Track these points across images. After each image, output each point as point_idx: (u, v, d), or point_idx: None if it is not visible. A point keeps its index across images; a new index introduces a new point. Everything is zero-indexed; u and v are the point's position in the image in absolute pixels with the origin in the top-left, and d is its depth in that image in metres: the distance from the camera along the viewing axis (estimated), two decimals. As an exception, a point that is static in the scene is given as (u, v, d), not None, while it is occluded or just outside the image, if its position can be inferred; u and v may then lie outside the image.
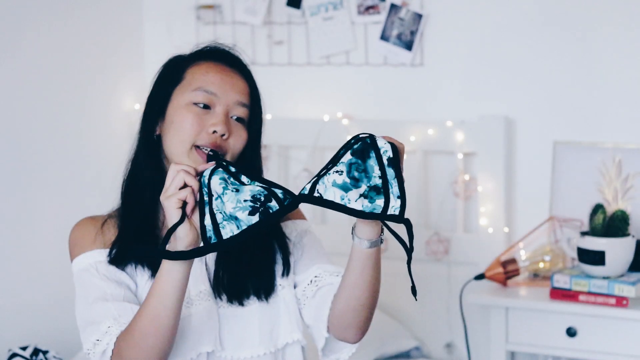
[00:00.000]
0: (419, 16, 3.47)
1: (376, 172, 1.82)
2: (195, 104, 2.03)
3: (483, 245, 3.39)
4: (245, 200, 1.80)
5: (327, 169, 1.82)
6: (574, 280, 3.02)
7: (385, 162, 1.83)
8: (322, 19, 3.61)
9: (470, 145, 3.41)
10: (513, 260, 3.22)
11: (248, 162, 2.07)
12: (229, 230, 1.81)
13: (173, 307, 1.89)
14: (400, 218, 1.83)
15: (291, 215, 2.21)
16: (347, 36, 3.59)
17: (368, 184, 1.81)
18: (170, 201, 1.85)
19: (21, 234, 3.42)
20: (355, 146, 1.82)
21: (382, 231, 1.96)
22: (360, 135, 1.84)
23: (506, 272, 3.21)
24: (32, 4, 3.45)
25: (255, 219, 1.80)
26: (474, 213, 3.47)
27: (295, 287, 2.13)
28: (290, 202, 1.81)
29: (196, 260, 2.04)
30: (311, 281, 2.12)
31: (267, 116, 3.72)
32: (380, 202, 1.81)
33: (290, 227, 2.19)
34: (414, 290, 1.91)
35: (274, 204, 1.81)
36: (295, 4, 3.63)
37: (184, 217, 1.84)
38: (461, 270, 3.42)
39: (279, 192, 1.82)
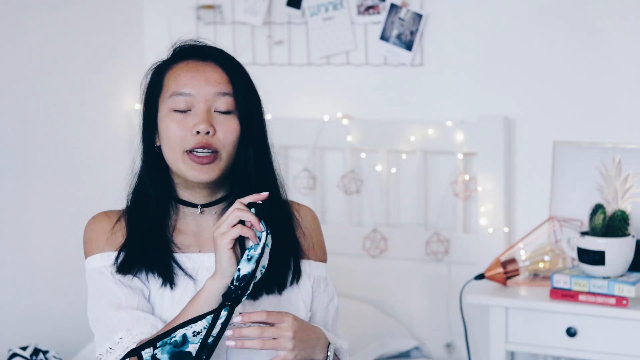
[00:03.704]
0: (419, 16, 3.47)
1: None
2: (175, 110, 2.01)
3: (483, 245, 3.39)
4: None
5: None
6: (574, 280, 3.02)
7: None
8: (322, 19, 3.61)
9: (470, 145, 3.41)
10: (513, 260, 3.22)
11: (243, 151, 2.04)
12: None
13: None
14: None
15: (312, 254, 2.16)
16: (347, 36, 3.59)
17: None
18: (224, 239, 1.88)
19: (21, 234, 3.42)
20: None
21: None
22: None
23: (506, 272, 3.21)
24: (32, 3, 3.45)
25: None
26: (474, 213, 3.47)
27: None
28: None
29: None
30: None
31: (267, 116, 3.75)
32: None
33: (306, 267, 2.14)
34: None
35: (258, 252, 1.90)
36: (295, 4, 3.63)
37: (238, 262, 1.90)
38: (461, 270, 3.42)
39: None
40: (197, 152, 1.99)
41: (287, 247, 2.07)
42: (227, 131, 2.01)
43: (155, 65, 2.10)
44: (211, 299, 1.91)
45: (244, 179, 2.04)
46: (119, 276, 2.02)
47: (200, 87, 2.01)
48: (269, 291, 2.04)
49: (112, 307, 1.99)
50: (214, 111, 2.01)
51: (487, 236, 3.39)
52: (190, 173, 2.00)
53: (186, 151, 2.00)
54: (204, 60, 2.04)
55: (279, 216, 2.05)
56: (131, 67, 3.82)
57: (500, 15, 3.39)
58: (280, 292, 2.05)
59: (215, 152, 2.00)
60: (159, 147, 2.06)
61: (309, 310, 2.11)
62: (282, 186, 2.11)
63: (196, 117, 2.00)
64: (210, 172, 2.01)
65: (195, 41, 2.10)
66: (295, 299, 2.08)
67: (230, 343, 1.88)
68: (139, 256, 2.02)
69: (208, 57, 2.05)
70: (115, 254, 2.04)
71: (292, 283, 2.08)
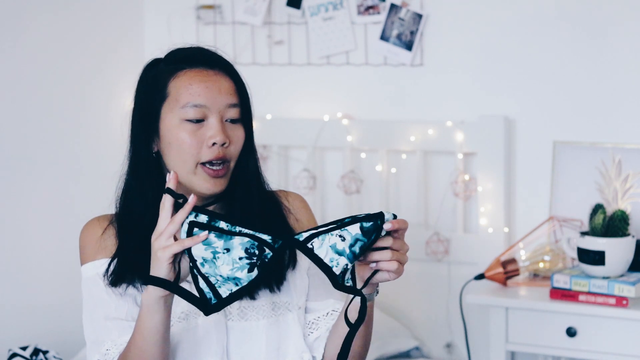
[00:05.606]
0: (419, 16, 3.47)
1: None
2: (188, 120, 1.98)
3: (483, 245, 3.39)
4: (240, 258, 1.78)
5: (329, 228, 1.81)
6: (574, 280, 3.02)
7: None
8: (322, 19, 3.61)
9: (470, 145, 3.41)
10: (513, 260, 3.22)
11: (245, 157, 2.03)
12: (226, 289, 1.81)
13: (158, 342, 1.88)
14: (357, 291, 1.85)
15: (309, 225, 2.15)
16: (347, 36, 3.59)
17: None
18: (165, 254, 1.81)
19: (21, 234, 3.42)
20: (366, 225, 1.82)
21: (377, 285, 1.95)
22: (371, 214, 1.84)
23: (506, 272, 3.21)
24: (32, 4, 3.45)
25: (254, 273, 1.79)
26: (474, 213, 3.47)
27: (306, 311, 2.10)
28: (282, 246, 1.80)
29: None
30: (328, 314, 2.09)
31: (267, 116, 3.75)
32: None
33: None
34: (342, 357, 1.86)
35: (267, 252, 1.79)
36: (295, 4, 3.63)
37: (178, 276, 1.83)
38: (461, 270, 3.42)
39: (265, 237, 1.79)
40: (212, 164, 1.98)
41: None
42: (238, 141, 2.01)
43: (149, 65, 2.05)
44: (151, 308, 1.86)
45: (245, 182, 2.04)
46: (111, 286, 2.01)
47: (214, 98, 1.98)
48: (270, 288, 2.03)
49: (102, 319, 1.99)
50: (225, 121, 2.00)
51: (487, 236, 3.39)
52: (203, 186, 1.98)
53: (200, 163, 1.98)
54: (212, 69, 2.01)
55: (267, 207, 2.06)
56: (131, 67, 3.81)
57: (500, 16, 3.39)
58: (278, 287, 2.04)
59: (227, 162, 2.00)
60: (157, 153, 2.02)
61: (302, 295, 2.09)
62: (264, 178, 2.11)
63: (212, 128, 1.98)
64: (223, 184, 2.00)
65: (194, 46, 2.06)
66: (294, 289, 2.08)
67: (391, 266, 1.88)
68: (132, 266, 1.98)
69: (214, 65, 2.02)
70: (106, 260, 2.02)
71: (287, 267, 2.06)
